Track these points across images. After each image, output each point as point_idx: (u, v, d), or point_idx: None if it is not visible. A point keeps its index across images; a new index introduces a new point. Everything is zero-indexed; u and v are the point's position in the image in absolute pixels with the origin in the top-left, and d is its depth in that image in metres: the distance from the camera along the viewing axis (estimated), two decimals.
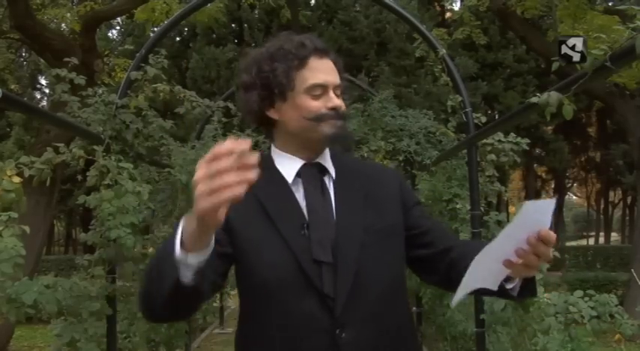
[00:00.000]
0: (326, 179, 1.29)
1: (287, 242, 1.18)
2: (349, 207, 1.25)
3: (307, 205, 1.23)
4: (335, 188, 1.28)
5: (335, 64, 1.31)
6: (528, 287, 1.14)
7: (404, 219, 1.30)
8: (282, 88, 1.25)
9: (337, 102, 1.26)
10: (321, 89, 1.26)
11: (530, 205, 0.98)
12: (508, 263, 1.03)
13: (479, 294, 1.34)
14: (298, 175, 1.27)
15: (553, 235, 1.00)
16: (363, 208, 1.25)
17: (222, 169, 0.83)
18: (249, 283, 1.22)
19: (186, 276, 0.98)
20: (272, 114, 1.28)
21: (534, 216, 0.99)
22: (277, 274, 1.17)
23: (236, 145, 0.83)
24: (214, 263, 1.09)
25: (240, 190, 0.84)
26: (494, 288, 1.10)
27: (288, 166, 1.28)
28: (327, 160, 1.32)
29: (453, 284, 1.25)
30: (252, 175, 0.84)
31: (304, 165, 1.28)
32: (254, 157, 0.84)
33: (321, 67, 1.27)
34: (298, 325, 1.16)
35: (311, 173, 1.28)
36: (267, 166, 1.28)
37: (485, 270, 1.06)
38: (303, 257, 1.17)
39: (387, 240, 1.26)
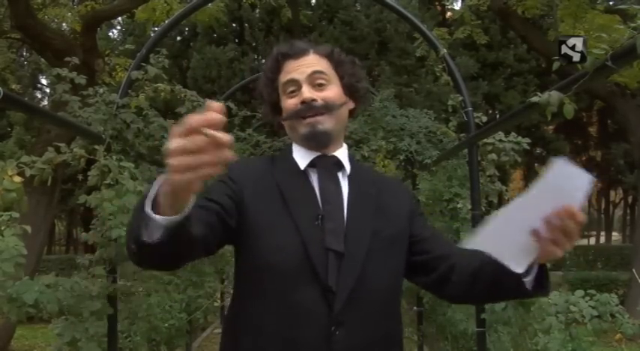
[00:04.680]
0: (340, 174, 1.30)
1: (298, 229, 1.18)
2: (361, 208, 1.26)
3: (321, 195, 1.24)
4: (349, 186, 1.28)
5: (322, 56, 1.32)
6: (542, 282, 1.12)
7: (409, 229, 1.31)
8: (272, 100, 1.34)
9: (306, 95, 1.26)
10: (294, 85, 1.29)
11: (562, 166, 0.91)
12: (536, 234, 0.99)
13: (490, 297, 1.35)
14: (312, 164, 1.28)
15: (580, 214, 0.96)
16: (374, 214, 1.26)
17: (197, 146, 0.77)
18: (252, 266, 1.21)
19: (156, 233, 0.92)
20: (281, 121, 1.33)
21: (566, 183, 0.93)
22: (282, 259, 1.17)
23: (211, 118, 0.77)
24: (209, 221, 1.11)
25: (215, 171, 0.79)
26: (521, 268, 1.06)
27: (304, 155, 1.30)
28: (343, 157, 1.33)
29: (448, 287, 1.27)
30: (229, 154, 0.79)
31: (320, 155, 1.29)
32: (228, 137, 0.78)
33: (294, 65, 1.30)
34: (295, 314, 1.15)
35: (326, 164, 1.29)
36: (284, 155, 1.34)
37: (511, 241, 1.01)
38: (312, 246, 1.17)
39: (392, 248, 1.26)
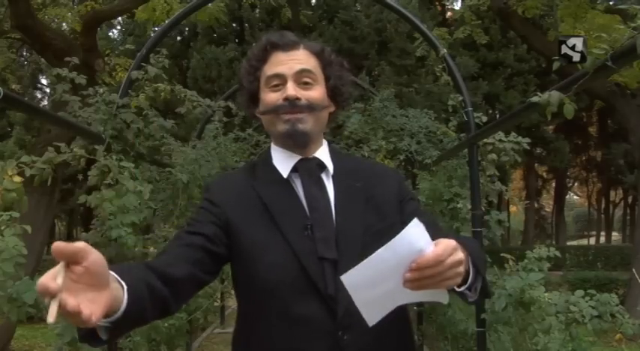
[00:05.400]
0: (324, 175, 1.27)
1: (290, 243, 1.16)
2: (349, 206, 1.23)
3: (307, 202, 1.21)
4: (334, 186, 1.25)
5: (312, 53, 1.28)
6: (482, 291, 1.13)
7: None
8: (252, 89, 1.29)
9: (290, 92, 1.21)
10: (278, 79, 1.24)
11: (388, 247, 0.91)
12: (410, 288, 0.95)
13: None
14: (295, 169, 1.25)
15: (429, 259, 0.90)
16: (364, 209, 1.23)
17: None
18: (250, 285, 1.20)
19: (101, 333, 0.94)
20: (257, 114, 1.30)
21: (406, 248, 0.91)
22: (279, 276, 1.16)
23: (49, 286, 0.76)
24: (195, 257, 1.13)
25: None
26: (445, 301, 1.03)
27: (285, 161, 1.26)
28: (324, 156, 1.29)
29: None
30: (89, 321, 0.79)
31: (301, 159, 1.26)
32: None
33: (282, 58, 1.25)
34: (301, 327, 1.14)
35: (308, 168, 1.26)
36: (265, 162, 1.29)
37: (395, 295, 0.98)
38: (306, 258, 1.15)
39: (386, 241, 1.24)
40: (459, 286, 1.06)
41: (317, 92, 1.25)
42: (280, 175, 1.25)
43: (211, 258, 1.16)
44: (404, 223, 1.25)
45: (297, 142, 1.24)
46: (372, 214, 1.23)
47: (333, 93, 1.29)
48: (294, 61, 1.25)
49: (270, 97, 1.24)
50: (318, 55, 1.29)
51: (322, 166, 1.27)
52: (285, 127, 1.22)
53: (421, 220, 1.28)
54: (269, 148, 1.32)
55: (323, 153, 1.30)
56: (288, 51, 1.26)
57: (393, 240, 0.91)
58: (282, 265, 1.16)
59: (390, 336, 1.21)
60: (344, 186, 1.26)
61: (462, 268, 0.96)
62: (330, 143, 1.35)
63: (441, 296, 1.01)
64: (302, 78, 1.24)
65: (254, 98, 1.30)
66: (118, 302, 0.92)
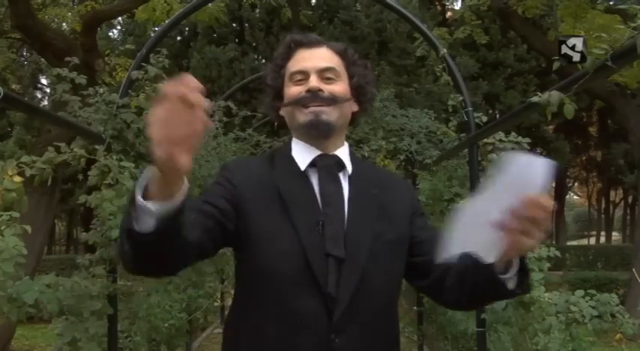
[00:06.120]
0: (341, 175, 1.26)
1: (299, 236, 1.16)
2: (362, 210, 1.23)
3: (322, 197, 1.21)
4: (350, 187, 1.25)
5: (335, 52, 1.30)
6: (522, 283, 1.10)
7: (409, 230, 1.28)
8: (276, 85, 1.30)
9: (313, 84, 1.22)
10: (302, 75, 1.26)
11: (521, 158, 0.91)
12: (502, 226, 0.95)
13: (477, 301, 1.29)
14: (313, 164, 1.25)
15: (547, 201, 0.91)
16: (376, 216, 1.23)
17: (175, 114, 0.81)
18: (252, 272, 1.19)
19: (148, 223, 0.91)
20: (281, 112, 1.31)
21: (527, 174, 0.91)
22: (283, 266, 1.15)
23: (185, 82, 0.83)
24: (206, 225, 1.11)
25: (197, 140, 0.83)
26: (491, 258, 1.02)
27: (304, 154, 1.26)
28: (344, 156, 1.29)
29: (442, 292, 1.24)
30: (207, 121, 0.84)
31: (320, 155, 1.26)
32: (201, 100, 0.84)
33: (306, 55, 1.28)
34: (294, 322, 1.14)
35: (327, 164, 1.25)
36: (284, 154, 1.29)
37: (476, 233, 0.99)
38: (312, 253, 1.15)
39: (393, 251, 1.24)
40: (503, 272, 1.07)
41: (340, 87, 1.26)
42: (298, 168, 1.25)
43: (220, 229, 1.15)
44: (413, 237, 1.27)
45: (320, 132, 1.24)
46: (383, 223, 1.23)
47: (357, 92, 1.30)
48: (318, 58, 1.27)
49: (293, 91, 1.25)
50: (342, 54, 1.31)
51: (341, 165, 1.27)
52: (309, 118, 1.22)
53: (429, 234, 1.30)
54: (290, 140, 1.32)
55: (343, 153, 1.30)
56: (311, 48, 1.29)
57: (526, 155, 0.92)
58: (288, 255, 1.15)
59: (381, 345, 1.21)
60: (360, 189, 1.26)
61: (542, 235, 0.96)
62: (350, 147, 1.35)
63: (492, 252, 1.02)
64: (325, 74, 1.25)
65: (278, 95, 1.31)
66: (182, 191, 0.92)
